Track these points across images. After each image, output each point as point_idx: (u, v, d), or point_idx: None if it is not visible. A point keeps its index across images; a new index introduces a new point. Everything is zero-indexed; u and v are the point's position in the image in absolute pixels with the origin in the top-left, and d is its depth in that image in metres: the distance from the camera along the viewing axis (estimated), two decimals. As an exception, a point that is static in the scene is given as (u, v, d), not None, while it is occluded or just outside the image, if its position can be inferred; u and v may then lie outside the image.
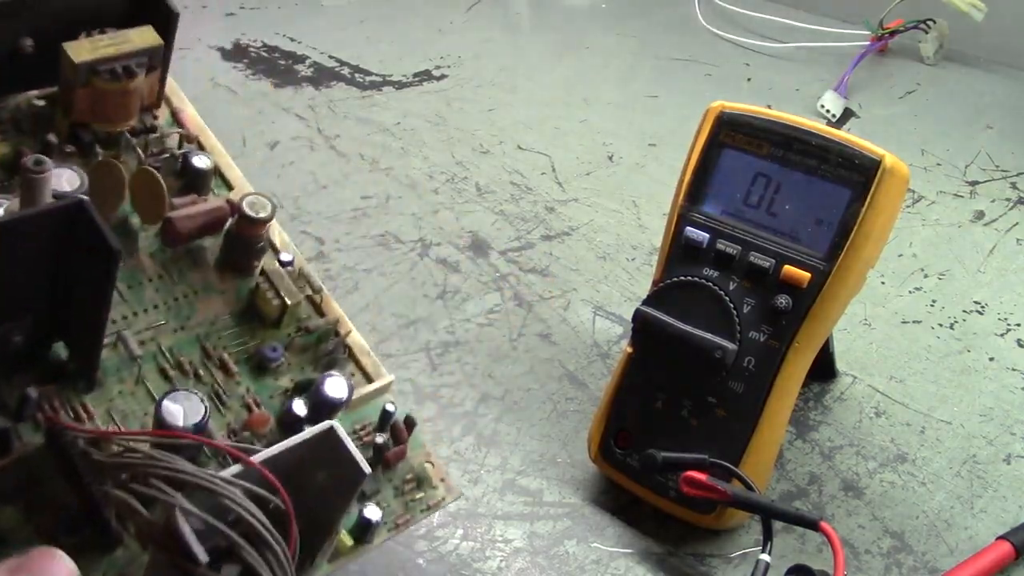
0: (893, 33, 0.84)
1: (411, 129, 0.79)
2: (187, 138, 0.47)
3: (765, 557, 0.44)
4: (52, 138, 0.43)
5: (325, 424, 0.35)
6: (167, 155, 0.45)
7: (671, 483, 0.49)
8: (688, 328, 0.48)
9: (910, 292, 0.66)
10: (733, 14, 0.90)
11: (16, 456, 0.36)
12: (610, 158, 0.78)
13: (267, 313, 0.43)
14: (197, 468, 0.33)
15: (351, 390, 0.41)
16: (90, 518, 0.35)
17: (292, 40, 0.89)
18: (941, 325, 0.64)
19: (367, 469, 0.34)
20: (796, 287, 0.48)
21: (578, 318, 0.62)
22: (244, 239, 0.43)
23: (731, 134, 0.50)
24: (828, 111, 0.80)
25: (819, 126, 0.50)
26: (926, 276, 0.68)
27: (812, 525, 0.44)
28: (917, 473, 0.53)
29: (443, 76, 0.86)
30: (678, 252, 0.50)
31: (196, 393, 0.37)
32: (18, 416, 0.37)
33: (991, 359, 0.61)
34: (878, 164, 0.47)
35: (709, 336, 0.48)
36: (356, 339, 0.45)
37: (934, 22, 0.83)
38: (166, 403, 0.37)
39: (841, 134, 0.49)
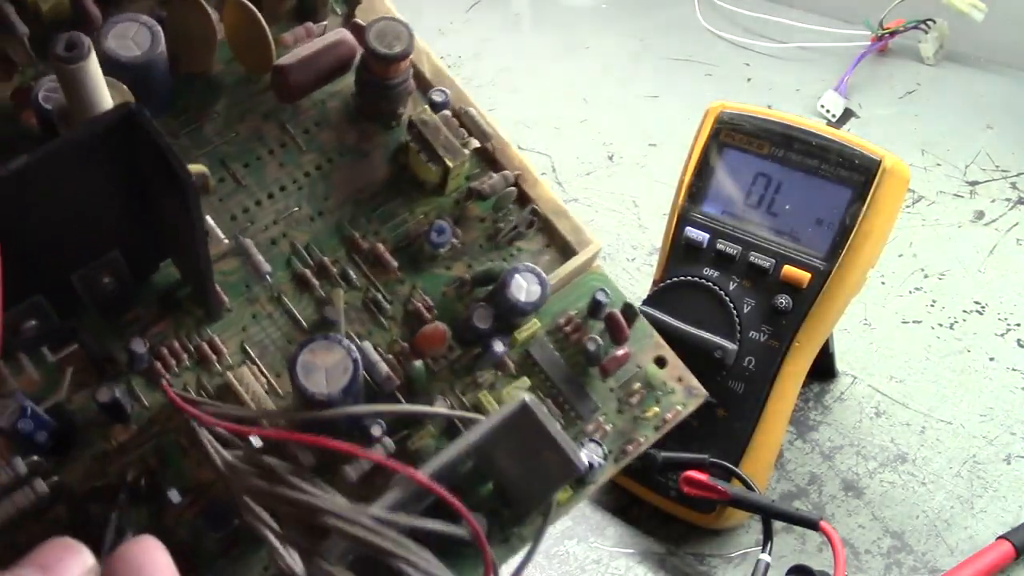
0: (893, 33, 0.84)
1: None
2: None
3: (765, 557, 0.44)
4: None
5: (515, 402, 0.28)
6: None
7: (671, 483, 0.49)
8: (688, 328, 0.48)
9: (910, 292, 0.66)
10: (733, 14, 0.90)
11: (135, 432, 0.30)
12: (610, 158, 0.78)
13: (425, 178, 0.34)
14: (344, 508, 0.26)
15: (545, 288, 0.31)
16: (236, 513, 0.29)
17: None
18: (941, 325, 0.64)
19: (582, 465, 0.28)
20: (796, 287, 0.48)
21: (578, 318, 0.62)
22: (377, 82, 0.33)
23: (731, 134, 0.50)
24: (828, 111, 0.80)
25: (819, 126, 0.50)
26: (926, 276, 0.68)
27: (812, 525, 0.44)
28: (917, 473, 0.53)
29: (443, 76, 0.86)
30: (678, 252, 0.50)
31: (338, 340, 0.28)
32: (131, 368, 0.31)
33: (991, 359, 0.61)
34: (878, 164, 0.47)
35: (709, 336, 0.48)
36: (544, 193, 0.35)
37: (934, 22, 0.83)
38: (302, 360, 0.28)
39: (841, 134, 0.49)
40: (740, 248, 0.49)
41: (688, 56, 0.90)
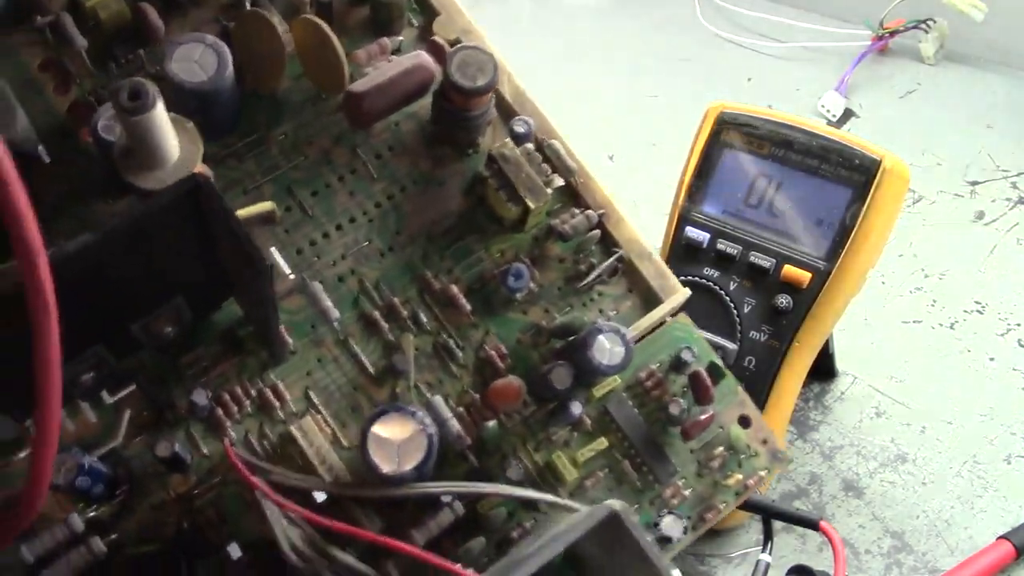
0: (893, 33, 0.84)
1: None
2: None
3: (765, 557, 0.43)
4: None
5: (604, 507, 0.25)
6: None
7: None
8: (688, 328, 0.48)
9: (910, 292, 0.66)
10: (733, 14, 0.90)
11: (194, 483, 0.29)
12: (610, 158, 0.78)
13: (503, 214, 0.32)
14: None
15: (629, 350, 0.29)
16: None
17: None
18: (941, 325, 0.64)
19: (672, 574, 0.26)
20: (796, 287, 0.48)
21: (578, 318, 0.62)
22: (457, 112, 0.31)
23: (731, 134, 0.50)
24: (828, 111, 0.80)
25: (819, 126, 0.50)
26: (926, 276, 0.68)
27: (812, 525, 0.44)
28: (917, 473, 0.53)
29: (443, 76, 0.86)
30: (678, 252, 0.50)
31: (412, 412, 0.27)
32: (192, 415, 0.30)
33: (991, 359, 0.61)
34: (878, 164, 0.47)
35: (710, 336, 0.48)
36: (629, 233, 0.32)
37: (934, 22, 0.83)
38: (374, 434, 0.26)
39: (841, 134, 0.49)
40: (740, 248, 0.49)
41: (688, 56, 0.90)
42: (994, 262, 0.69)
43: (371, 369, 0.31)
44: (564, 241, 0.32)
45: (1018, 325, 0.64)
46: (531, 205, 0.30)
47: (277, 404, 0.30)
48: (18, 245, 0.19)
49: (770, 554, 0.44)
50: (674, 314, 0.32)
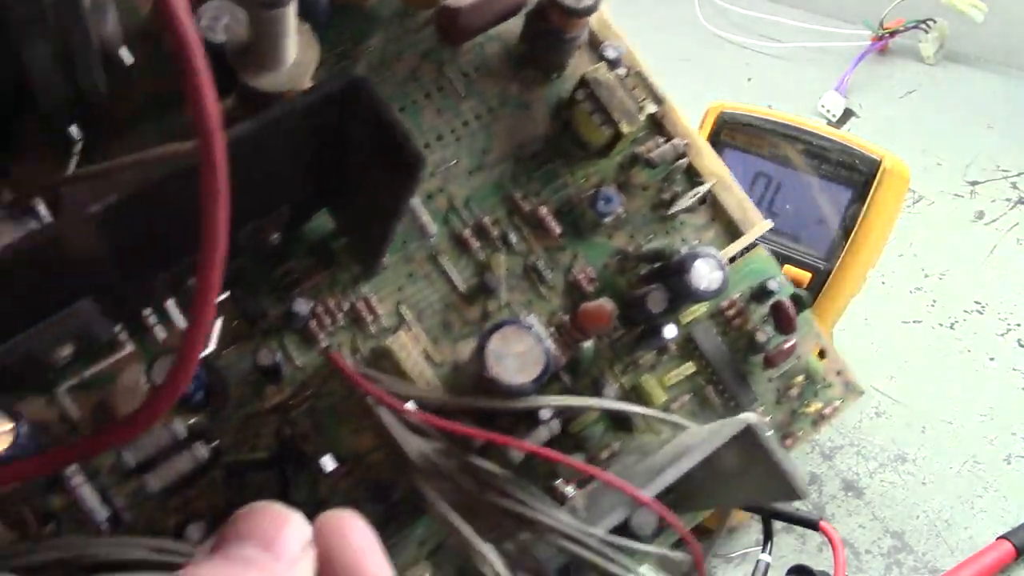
0: (893, 33, 0.84)
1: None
2: None
3: (765, 557, 0.43)
4: None
5: (739, 421, 0.26)
6: None
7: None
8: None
9: (910, 292, 0.66)
10: (733, 14, 0.90)
11: (289, 394, 0.29)
12: (610, 158, 0.78)
13: (590, 139, 0.31)
14: (573, 528, 0.24)
15: (726, 275, 0.29)
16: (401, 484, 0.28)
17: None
18: (941, 325, 0.64)
19: (806, 491, 0.27)
20: (797, 287, 0.48)
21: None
22: (554, 33, 0.30)
23: (731, 134, 0.50)
24: (828, 111, 0.80)
25: (819, 126, 0.50)
26: (926, 276, 0.68)
27: (812, 525, 0.44)
28: (917, 473, 0.53)
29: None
30: (678, 252, 0.51)
31: (529, 326, 0.26)
32: (287, 325, 0.29)
33: (991, 359, 0.61)
34: (878, 164, 0.47)
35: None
36: (711, 164, 0.32)
37: (934, 22, 0.83)
38: (492, 347, 0.26)
39: (841, 134, 0.49)
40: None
41: (688, 56, 0.90)
42: (994, 262, 0.69)
43: (462, 287, 0.31)
44: (651, 168, 0.32)
45: (1018, 325, 0.64)
46: (624, 130, 0.30)
47: (369, 318, 0.30)
48: (199, 123, 0.19)
49: (770, 554, 0.44)
50: (752, 246, 0.33)
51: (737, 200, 0.33)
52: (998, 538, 0.49)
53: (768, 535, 0.44)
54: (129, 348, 0.28)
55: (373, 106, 0.23)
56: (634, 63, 0.32)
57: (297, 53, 0.27)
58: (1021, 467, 0.54)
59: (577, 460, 0.26)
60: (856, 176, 0.47)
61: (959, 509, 0.52)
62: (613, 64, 0.31)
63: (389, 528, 0.29)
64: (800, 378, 0.33)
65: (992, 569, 0.48)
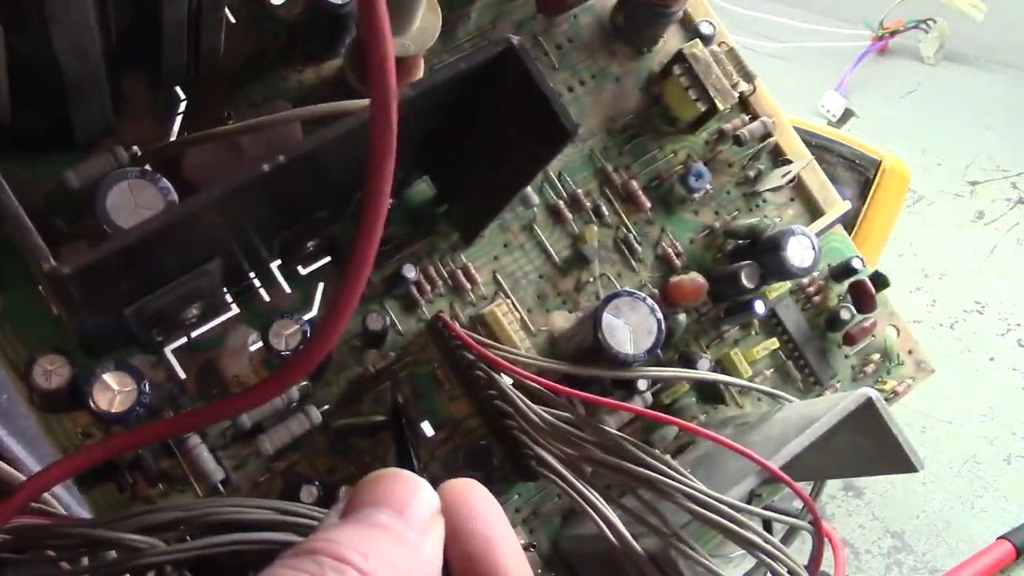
0: (893, 33, 0.84)
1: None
2: None
3: (765, 557, 0.44)
4: None
5: (860, 395, 0.26)
6: None
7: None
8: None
9: (910, 292, 0.66)
10: (733, 14, 0.90)
11: (391, 360, 0.29)
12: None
13: (680, 114, 0.32)
14: (707, 496, 0.24)
15: (818, 254, 0.30)
16: (507, 453, 0.28)
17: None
18: (941, 325, 0.64)
19: (921, 463, 0.27)
20: (796, 287, 0.48)
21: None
22: (654, 7, 0.30)
23: (731, 134, 0.50)
24: (828, 111, 0.80)
25: (819, 126, 0.50)
26: (926, 276, 0.68)
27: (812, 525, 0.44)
28: (917, 473, 0.54)
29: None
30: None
31: (642, 298, 0.26)
32: (388, 290, 0.29)
33: (991, 359, 0.61)
34: (878, 164, 0.47)
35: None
36: (796, 144, 0.32)
37: (934, 22, 0.83)
38: (607, 317, 0.26)
39: (841, 134, 0.49)
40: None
41: (688, 56, 0.90)
42: (994, 262, 0.69)
43: (556, 258, 0.31)
44: (739, 146, 0.32)
45: (1018, 325, 0.64)
46: (720, 106, 0.30)
47: (469, 286, 0.30)
48: (375, 85, 0.19)
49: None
50: (831, 226, 0.33)
51: (819, 180, 0.33)
52: (998, 538, 0.49)
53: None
54: (235, 310, 0.28)
55: (526, 74, 0.23)
56: (726, 40, 0.32)
57: (422, 18, 0.27)
58: (1021, 467, 0.54)
59: (715, 433, 0.25)
60: (856, 176, 0.47)
61: (959, 509, 0.52)
62: (707, 40, 0.31)
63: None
64: (876, 356, 0.34)
65: (992, 569, 0.48)
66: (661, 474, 0.24)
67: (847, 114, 0.81)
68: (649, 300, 0.26)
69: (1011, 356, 0.62)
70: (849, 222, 0.47)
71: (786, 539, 0.47)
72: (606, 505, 0.24)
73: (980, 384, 0.60)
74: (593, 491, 0.25)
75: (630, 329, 0.26)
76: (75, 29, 0.22)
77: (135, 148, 0.25)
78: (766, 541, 0.25)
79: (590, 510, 0.24)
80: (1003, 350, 0.62)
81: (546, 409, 0.26)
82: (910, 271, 0.68)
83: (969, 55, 0.85)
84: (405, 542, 0.18)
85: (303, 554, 0.17)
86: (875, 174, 0.47)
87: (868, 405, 0.26)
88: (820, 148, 0.48)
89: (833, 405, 0.26)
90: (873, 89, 0.84)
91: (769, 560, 0.25)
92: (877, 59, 0.86)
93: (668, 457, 0.25)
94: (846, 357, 0.33)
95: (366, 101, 0.24)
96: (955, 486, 0.53)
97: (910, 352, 0.34)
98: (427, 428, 0.29)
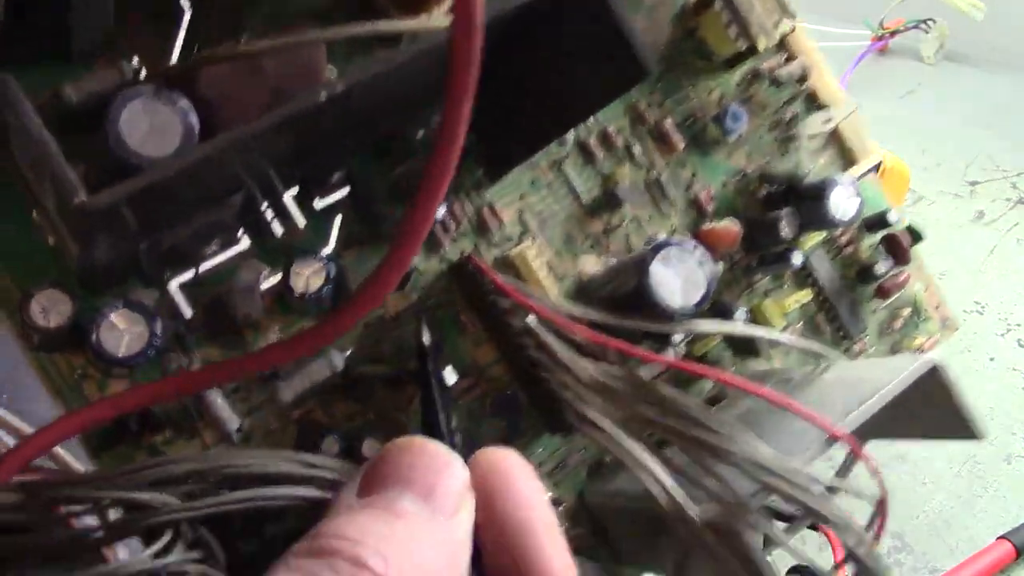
0: (893, 33, 0.84)
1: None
2: None
3: (765, 557, 0.43)
4: None
5: (925, 362, 0.25)
6: None
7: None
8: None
9: (910, 292, 0.66)
10: (733, 14, 0.90)
11: (413, 302, 0.27)
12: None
13: (716, 50, 0.30)
14: (774, 463, 0.23)
15: (862, 204, 0.28)
16: (534, 402, 0.27)
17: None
18: (941, 325, 0.64)
19: (983, 431, 0.26)
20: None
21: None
22: None
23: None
24: (828, 111, 0.80)
25: (819, 126, 0.50)
26: (926, 276, 0.68)
27: (812, 526, 0.44)
28: (917, 473, 0.53)
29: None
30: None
31: (691, 248, 0.25)
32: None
33: (991, 359, 0.61)
34: (878, 164, 0.47)
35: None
36: (832, 88, 0.31)
37: (934, 22, 0.83)
38: (654, 269, 0.25)
39: (841, 134, 0.49)
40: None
41: (688, 56, 0.90)
42: (994, 262, 0.69)
43: (585, 198, 0.29)
44: (776, 87, 0.31)
45: (1018, 325, 0.64)
46: (760, 45, 0.29)
47: (494, 225, 0.28)
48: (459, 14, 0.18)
49: (770, 554, 0.44)
50: (864, 175, 0.32)
51: (854, 127, 0.32)
52: (998, 538, 0.49)
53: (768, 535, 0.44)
54: (245, 244, 0.26)
55: (603, 9, 0.22)
56: None
57: None
58: (1021, 467, 0.54)
59: (767, 390, 0.24)
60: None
61: (959, 509, 0.52)
62: None
63: (511, 445, 0.27)
64: (907, 311, 0.33)
65: (992, 569, 0.48)
66: (728, 443, 0.22)
67: (847, 114, 0.81)
68: (700, 250, 0.25)
69: (1011, 356, 0.62)
70: (849, 222, 0.47)
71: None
72: (659, 465, 0.23)
73: (980, 384, 0.60)
74: (645, 449, 0.23)
75: (680, 280, 0.24)
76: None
77: (136, 62, 0.23)
78: (841, 514, 0.25)
79: (642, 473, 0.23)
80: (1003, 350, 0.62)
81: (595, 364, 0.24)
82: (910, 271, 0.68)
83: (969, 55, 0.85)
84: (430, 532, 0.17)
85: (317, 554, 0.16)
86: (875, 174, 0.47)
87: (932, 372, 0.26)
88: (820, 148, 0.48)
89: (893, 371, 0.25)
90: (873, 89, 0.84)
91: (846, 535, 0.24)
92: (877, 59, 0.86)
93: (724, 416, 0.23)
94: (874, 312, 0.32)
95: (412, 23, 0.23)
96: (955, 486, 0.53)
97: (936, 307, 0.34)
98: (450, 374, 0.28)
